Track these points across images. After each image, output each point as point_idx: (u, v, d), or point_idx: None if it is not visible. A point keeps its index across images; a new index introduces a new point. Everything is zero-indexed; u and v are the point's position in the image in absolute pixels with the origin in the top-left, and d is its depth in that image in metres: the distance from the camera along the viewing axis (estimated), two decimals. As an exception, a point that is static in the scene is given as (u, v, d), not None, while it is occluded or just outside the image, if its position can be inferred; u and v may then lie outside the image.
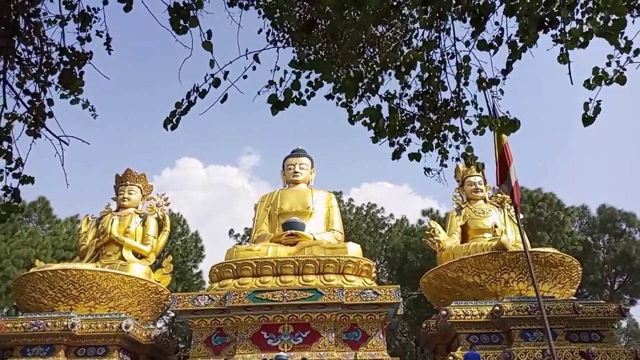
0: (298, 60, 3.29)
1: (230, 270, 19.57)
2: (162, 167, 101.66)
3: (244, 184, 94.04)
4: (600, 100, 3.82)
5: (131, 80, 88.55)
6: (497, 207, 23.01)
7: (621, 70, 3.80)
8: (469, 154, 4.07)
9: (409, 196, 74.42)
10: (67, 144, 3.80)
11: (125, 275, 19.52)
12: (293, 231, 21.49)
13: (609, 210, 33.14)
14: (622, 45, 3.66)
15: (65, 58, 3.54)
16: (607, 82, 3.80)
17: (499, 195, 23.23)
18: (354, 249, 20.72)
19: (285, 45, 3.90)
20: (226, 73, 3.50)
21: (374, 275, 21.29)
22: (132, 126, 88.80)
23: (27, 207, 31.08)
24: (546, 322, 9.21)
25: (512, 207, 20.50)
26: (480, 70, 4.14)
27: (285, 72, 3.38)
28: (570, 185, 79.23)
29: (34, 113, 3.55)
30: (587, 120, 3.88)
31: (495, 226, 21.47)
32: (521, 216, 21.46)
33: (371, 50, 3.59)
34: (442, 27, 3.64)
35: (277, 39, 4.05)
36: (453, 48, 3.88)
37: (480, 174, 23.73)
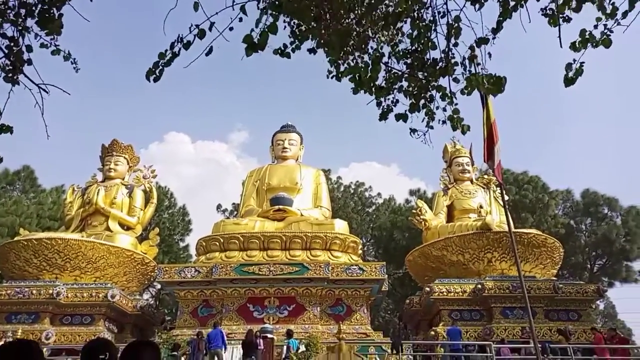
0: (277, 3, 3.19)
1: (217, 244, 19.63)
2: (149, 141, 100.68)
3: (232, 160, 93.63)
4: (584, 62, 3.84)
5: (120, 50, 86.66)
6: (483, 188, 23.27)
7: (608, 33, 3.80)
8: (455, 116, 4.06)
9: (397, 176, 74.94)
10: (47, 92, 3.69)
11: (111, 246, 19.46)
12: (281, 206, 21.53)
13: (592, 194, 33.69)
14: (609, 11, 3.65)
15: (43, -2, 3.41)
16: (594, 44, 3.81)
17: (486, 176, 23.49)
18: (340, 226, 20.88)
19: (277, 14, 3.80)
20: (212, 24, 3.40)
21: (360, 252, 21.54)
22: (120, 98, 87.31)
23: (11, 176, 30.61)
24: (527, 301, 9.42)
25: (498, 188, 20.79)
26: (472, 47, 4.11)
27: (264, 12, 3.27)
28: (556, 169, 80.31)
29: (12, 59, 3.43)
30: (569, 81, 3.90)
31: (481, 207, 21.74)
32: (506, 197, 21.73)
33: (361, 8, 3.51)
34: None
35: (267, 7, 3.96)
36: (444, 7, 3.83)
37: (468, 155, 23.94)
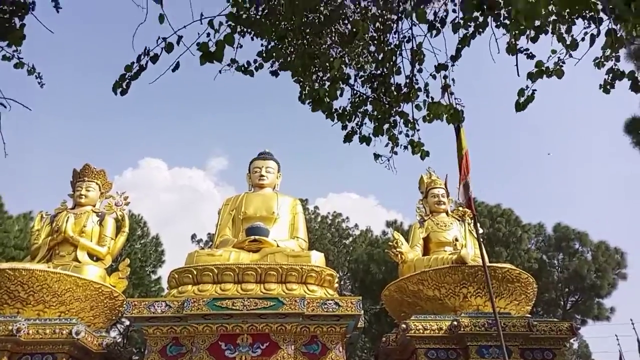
0: (236, 15, 3.24)
1: (190, 276, 19.04)
2: (123, 167, 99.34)
3: (209, 188, 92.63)
4: (535, 90, 4.05)
5: (94, 73, 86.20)
6: (459, 220, 23.44)
7: (560, 64, 4.01)
8: (415, 140, 4.14)
9: (375, 208, 75.15)
10: (6, 107, 3.58)
11: (78, 278, 18.65)
12: (257, 237, 21.19)
13: (564, 228, 34.34)
14: (568, 42, 3.87)
15: (3, 7, 3.33)
16: (548, 74, 4.02)
17: (460, 208, 23.71)
18: (317, 258, 20.57)
19: (248, 32, 3.88)
20: (179, 37, 3.40)
21: (336, 285, 21.18)
22: (94, 122, 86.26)
23: (-24, 202, 29.50)
24: (502, 339, 9.33)
25: (473, 220, 21.00)
26: (445, 77, 4.26)
27: (221, 23, 3.31)
28: (529, 201, 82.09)
29: (-31, 70, 3.32)
30: (518, 106, 4.10)
31: (456, 239, 21.81)
32: (480, 230, 22.00)
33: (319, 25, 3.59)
34: (399, 10, 3.71)
35: (240, 29, 4.03)
36: (410, 32, 3.97)
37: (444, 186, 24.22)
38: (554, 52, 3.87)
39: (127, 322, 30.40)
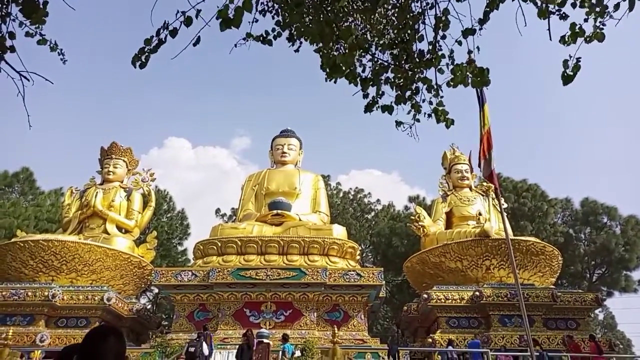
0: None
1: (215, 247, 19.56)
2: (149, 146, 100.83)
3: (233, 166, 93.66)
4: (580, 58, 3.80)
5: (121, 54, 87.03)
6: (482, 195, 23.23)
7: (600, 27, 3.77)
8: (439, 108, 4.03)
9: (398, 184, 74.78)
10: (29, 80, 3.65)
11: (107, 248, 19.40)
12: (279, 211, 21.47)
13: (592, 203, 33.58)
14: (598, 10, 3.64)
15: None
16: (587, 39, 3.79)
17: (485, 184, 23.41)
18: (339, 231, 20.81)
19: (269, 11, 3.83)
20: (198, 11, 3.38)
21: (358, 257, 21.44)
22: (120, 102, 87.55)
23: (10, 177, 30.62)
24: (523, 309, 9.30)
25: (495, 194, 20.71)
26: (470, 52, 4.10)
27: None
28: (556, 177, 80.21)
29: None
30: (567, 79, 3.85)
31: (480, 214, 21.69)
32: (504, 205, 21.81)
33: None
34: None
35: (266, 9, 3.99)
36: None
37: (467, 162, 23.95)
38: (588, 14, 3.62)
39: (156, 290, 31.55)
